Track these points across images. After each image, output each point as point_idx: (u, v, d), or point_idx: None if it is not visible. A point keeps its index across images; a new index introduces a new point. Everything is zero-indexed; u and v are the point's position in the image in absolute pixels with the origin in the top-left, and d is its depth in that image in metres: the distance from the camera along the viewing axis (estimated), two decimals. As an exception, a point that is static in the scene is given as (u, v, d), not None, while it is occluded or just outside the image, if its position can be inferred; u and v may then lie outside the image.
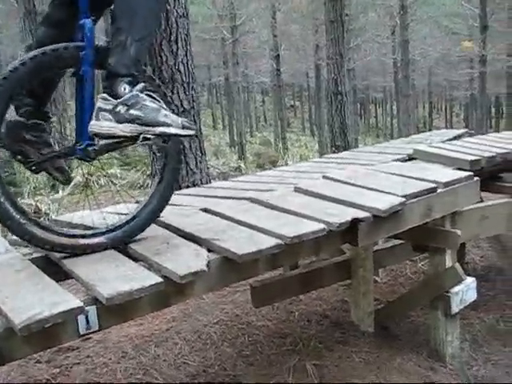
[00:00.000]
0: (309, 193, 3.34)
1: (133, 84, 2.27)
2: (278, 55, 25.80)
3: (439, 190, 3.39)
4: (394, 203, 3.03)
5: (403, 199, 3.10)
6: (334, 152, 9.36)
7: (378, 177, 3.66)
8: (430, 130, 33.24)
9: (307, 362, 3.61)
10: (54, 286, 2.11)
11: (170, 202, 2.80)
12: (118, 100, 2.22)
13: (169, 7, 5.43)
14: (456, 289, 3.65)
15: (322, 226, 2.70)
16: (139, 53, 2.31)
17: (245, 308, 4.36)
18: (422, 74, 35.33)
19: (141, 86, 2.28)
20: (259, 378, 3.48)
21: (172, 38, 5.50)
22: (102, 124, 2.21)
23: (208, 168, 6.19)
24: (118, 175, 11.53)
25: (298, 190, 3.44)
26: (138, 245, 2.54)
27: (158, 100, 2.29)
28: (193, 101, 5.49)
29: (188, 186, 5.19)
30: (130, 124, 2.21)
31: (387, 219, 3.02)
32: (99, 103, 2.24)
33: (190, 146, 5.46)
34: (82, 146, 2.36)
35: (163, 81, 5.56)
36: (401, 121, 24.05)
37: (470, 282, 3.76)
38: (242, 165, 13.60)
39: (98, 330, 2.12)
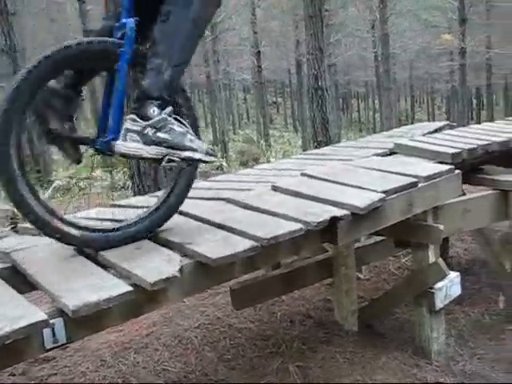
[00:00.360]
0: (286, 191, 3.26)
1: (162, 107, 2.32)
2: (259, 52, 25.68)
3: (420, 185, 3.32)
4: (374, 200, 2.95)
5: (383, 195, 3.02)
6: (317, 147, 9.29)
7: (358, 172, 3.58)
8: (412, 123, 33.26)
9: (290, 364, 3.54)
10: (19, 298, 2.02)
11: (145, 205, 2.73)
12: (147, 122, 2.28)
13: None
14: (440, 284, 3.59)
15: (299, 225, 2.62)
16: (174, 78, 2.36)
17: (226, 310, 4.28)
18: (402, 67, 35.33)
19: (169, 109, 2.34)
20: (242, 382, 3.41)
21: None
22: (129, 145, 2.27)
23: (187, 168, 6.09)
24: (99, 177, 11.43)
25: (275, 188, 3.35)
26: (109, 251, 2.44)
27: (184, 124, 2.37)
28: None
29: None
30: (156, 146, 2.28)
31: (367, 216, 2.94)
32: (127, 124, 2.29)
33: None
34: (106, 139, 2.37)
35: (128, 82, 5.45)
36: (383, 115, 24.02)
37: (454, 276, 3.70)
38: (224, 163, 13.47)
39: (67, 343, 2.03)
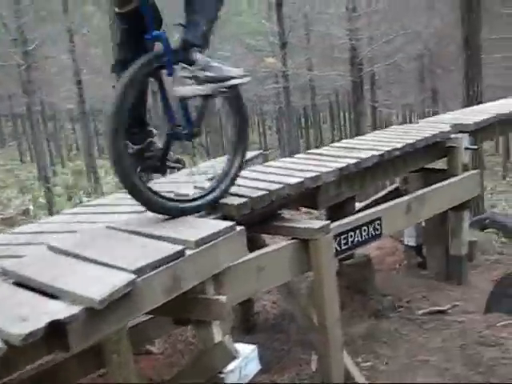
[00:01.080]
0: (13, 276, 2.45)
1: (201, 52, 2.82)
2: (80, 81, 24.38)
3: (189, 253, 2.65)
4: (118, 286, 2.22)
5: (132, 277, 2.31)
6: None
7: (118, 239, 2.84)
8: (244, 145, 33.43)
9: None
10: None
11: None
12: (196, 66, 2.75)
13: None
14: (231, 366, 2.94)
15: (-5, 344, 1.83)
16: (208, 30, 2.91)
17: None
18: (231, 90, 35.53)
19: (205, 52, 2.86)
20: None
21: None
22: (187, 88, 2.75)
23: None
24: None
25: (5, 272, 2.52)
26: None
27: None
28: None
29: None
30: (208, 83, 2.76)
31: (113, 307, 2.22)
32: (179, 72, 2.77)
33: None
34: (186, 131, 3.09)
35: None
36: (212, 140, 23.73)
37: (249, 352, 3.10)
38: (31, 207, 11.97)
39: None
